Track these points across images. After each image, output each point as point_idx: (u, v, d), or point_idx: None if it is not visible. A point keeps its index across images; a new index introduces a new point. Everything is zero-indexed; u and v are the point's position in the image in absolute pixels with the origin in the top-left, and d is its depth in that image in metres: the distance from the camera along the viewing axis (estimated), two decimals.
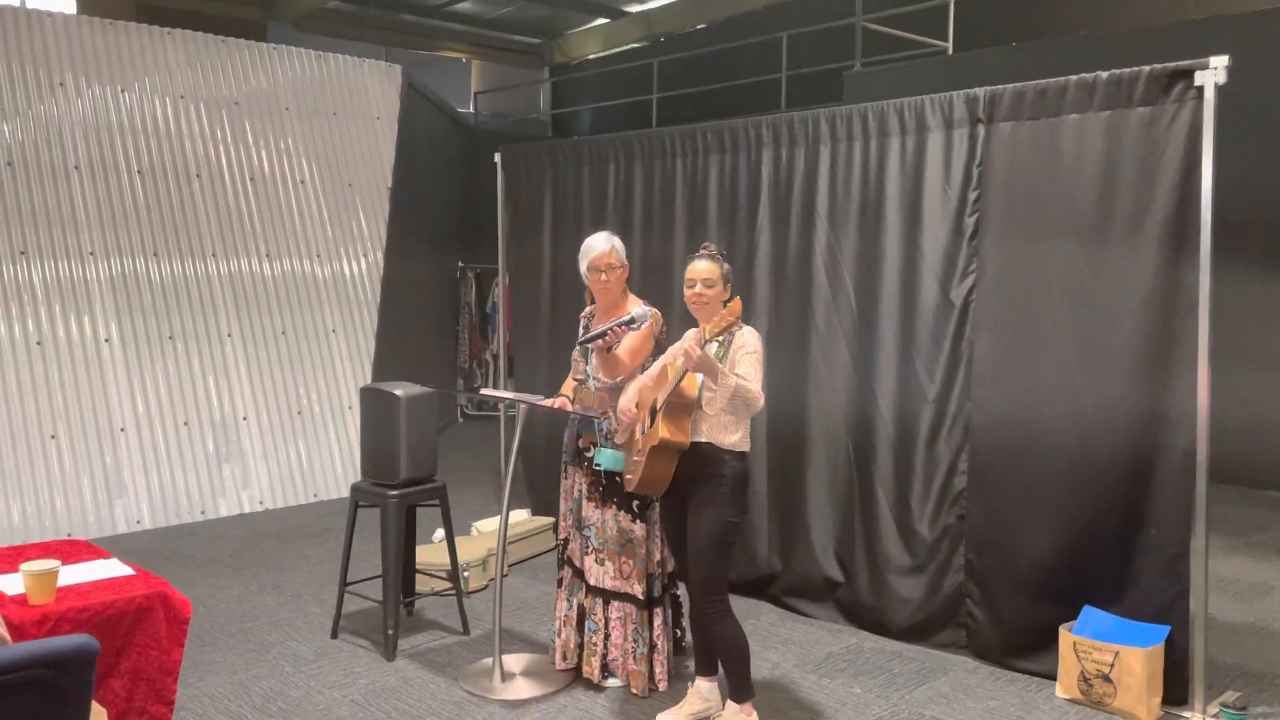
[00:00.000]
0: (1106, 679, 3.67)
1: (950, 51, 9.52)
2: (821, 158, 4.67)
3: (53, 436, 6.09)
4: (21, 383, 6.06)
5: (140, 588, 2.68)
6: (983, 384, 4.18)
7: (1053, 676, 3.89)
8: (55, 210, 6.33)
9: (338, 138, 7.72)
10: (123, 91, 6.72)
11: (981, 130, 4.15)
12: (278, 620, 4.61)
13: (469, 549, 5.15)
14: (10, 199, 6.17)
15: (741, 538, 4.79)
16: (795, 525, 4.78)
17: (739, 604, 3.45)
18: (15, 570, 2.60)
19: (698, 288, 3.47)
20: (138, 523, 6.21)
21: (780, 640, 4.41)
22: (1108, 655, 3.66)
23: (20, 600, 2.51)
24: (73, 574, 2.71)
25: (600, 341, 3.59)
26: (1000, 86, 4.09)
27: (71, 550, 2.98)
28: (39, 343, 6.17)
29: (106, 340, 6.42)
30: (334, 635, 4.39)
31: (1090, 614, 3.84)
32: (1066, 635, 3.80)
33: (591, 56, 14.79)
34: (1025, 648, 4.04)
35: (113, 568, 2.83)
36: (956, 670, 4.09)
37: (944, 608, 4.29)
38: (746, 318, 4.36)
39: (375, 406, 4.30)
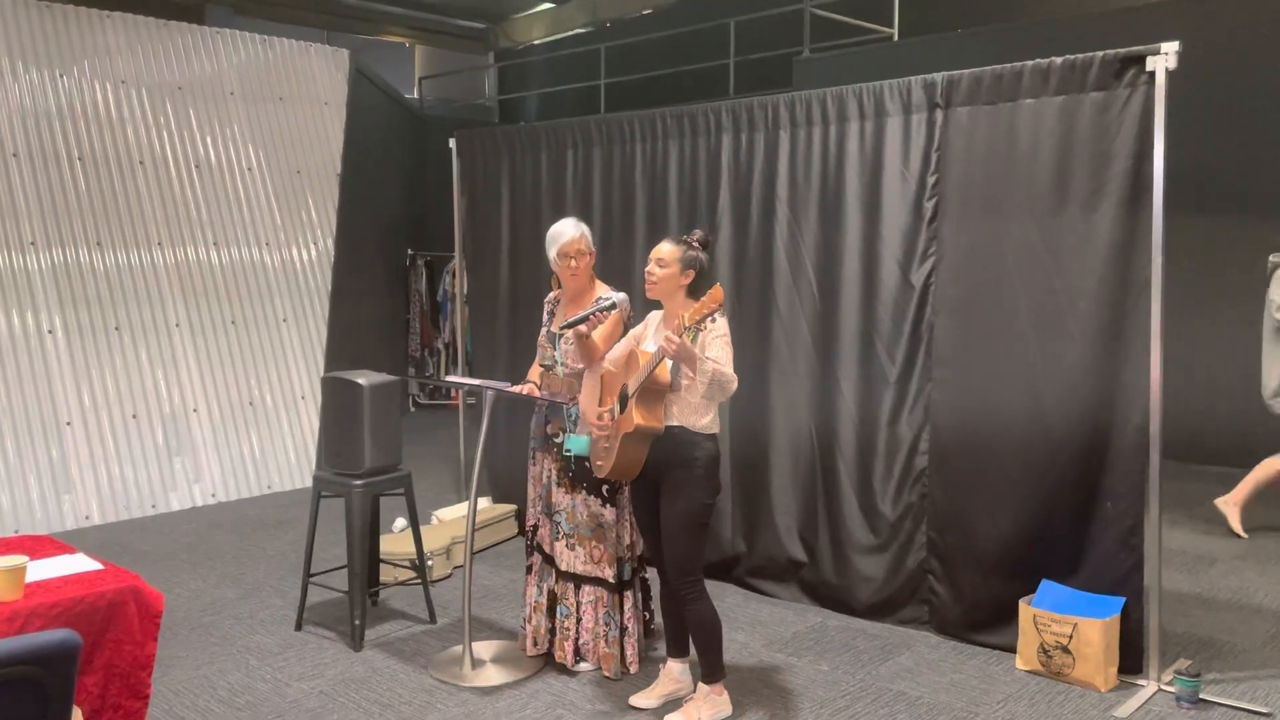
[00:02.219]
0: (1065, 650, 3.77)
1: (896, 38, 9.63)
2: (781, 143, 4.71)
3: None
4: None
5: (111, 582, 2.63)
6: (943, 364, 4.26)
7: (1013, 649, 3.99)
8: None
9: (284, 123, 7.58)
10: (61, 76, 6.52)
11: (939, 115, 4.22)
12: (240, 614, 4.55)
13: (431, 538, 5.12)
14: None
15: (711, 520, 4.84)
16: (759, 507, 4.83)
17: (708, 588, 3.49)
18: None
19: (650, 265, 3.49)
20: (86, 518, 6.07)
21: (747, 621, 4.46)
22: (1066, 627, 3.76)
23: None
24: (40, 570, 2.64)
25: (582, 326, 3.59)
26: (958, 72, 4.16)
27: (35, 545, 2.91)
28: None
29: (50, 332, 6.25)
30: (298, 627, 4.34)
31: (1048, 587, 3.95)
32: (1026, 608, 3.90)
33: (537, 41, 14.67)
34: (986, 622, 4.14)
35: (80, 562, 2.77)
36: (919, 645, 4.17)
37: (906, 585, 4.37)
38: None
39: (337, 395, 4.25)
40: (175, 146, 6.97)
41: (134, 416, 6.47)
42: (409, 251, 10.43)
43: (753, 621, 4.45)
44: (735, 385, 3.38)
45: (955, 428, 4.23)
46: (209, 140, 7.15)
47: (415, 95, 13.88)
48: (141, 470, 6.41)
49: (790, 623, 4.44)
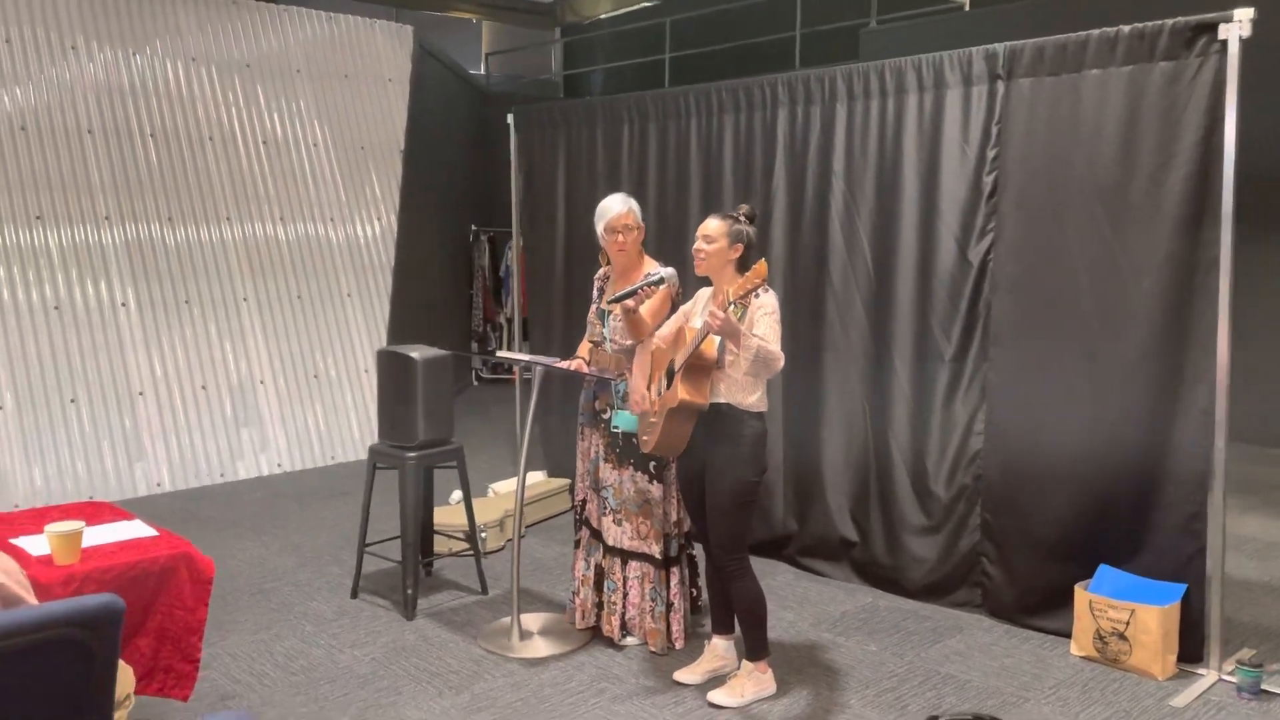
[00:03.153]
0: (1122, 637, 3.68)
1: (967, 7, 9.37)
2: (838, 116, 4.62)
3: (72, 400, 6.14)
4: (40, 348, 6.10)
5: (164, 548, 2.71)
6: (1000, 344, 4.16)
7: (1068, 635, 3.90)
8: (70, 175, 6.34)
9: (349, 100, 7.68)
10: (134, 54, 6.69)
11: (1001, 87, 4.10)
12: (298, 580, 4.67)
13: (486, 510, 5.19)
14: (25, 164, 6.17)
15: (757, 498, 4.82)
16: (811, 486, 4.79)
17: (754, 564, 3.47)
18: (40, 532, 2.63)
19: (698, 242, 3.47)
20: (158, 485, 6.27)
21: (796, 600, 4.44)
22: (1123, 613, 3.67)
23: (46, 561, 2.54)
24: (97, 535, 2.74)
25: (630, 301, 3.58)
26: (1020, 42, 4.03)
27: (95, 512, 3.01)
28: (56, 307, 6.20)
29: (123, 305, 6.45)
30: (354, 595, 4.44)
31: (1106, 572, 3.85)
32: (1082, 593, 3.81)
33: (603, 16, 14.62)
34: (1040, 606, 4.06)
35: (136, 529, 2.86)
36: (972, 629, 4.11)
37: (959, 567, 4.30)
38: None
39: (392, 369, 4.31)
40: (243, 123, 7.12)
41: (203, 388, 6.65)
42: (472, 227, 10.52)
43: (802, 600, 4.43)
44: (782, 363, 3.34)
45: (1012, 408, 4.13)
46: (276, 117, 7.28)
47: (482, 71, 13.94)
48: (210, 440, 6.60)
49: (840, 602, 4.41)
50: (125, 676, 2.45)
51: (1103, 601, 3.73)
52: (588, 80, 15.27)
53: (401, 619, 4.19)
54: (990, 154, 4.15)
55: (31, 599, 1.95)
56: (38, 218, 6.19)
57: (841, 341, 4.66)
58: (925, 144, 4.34)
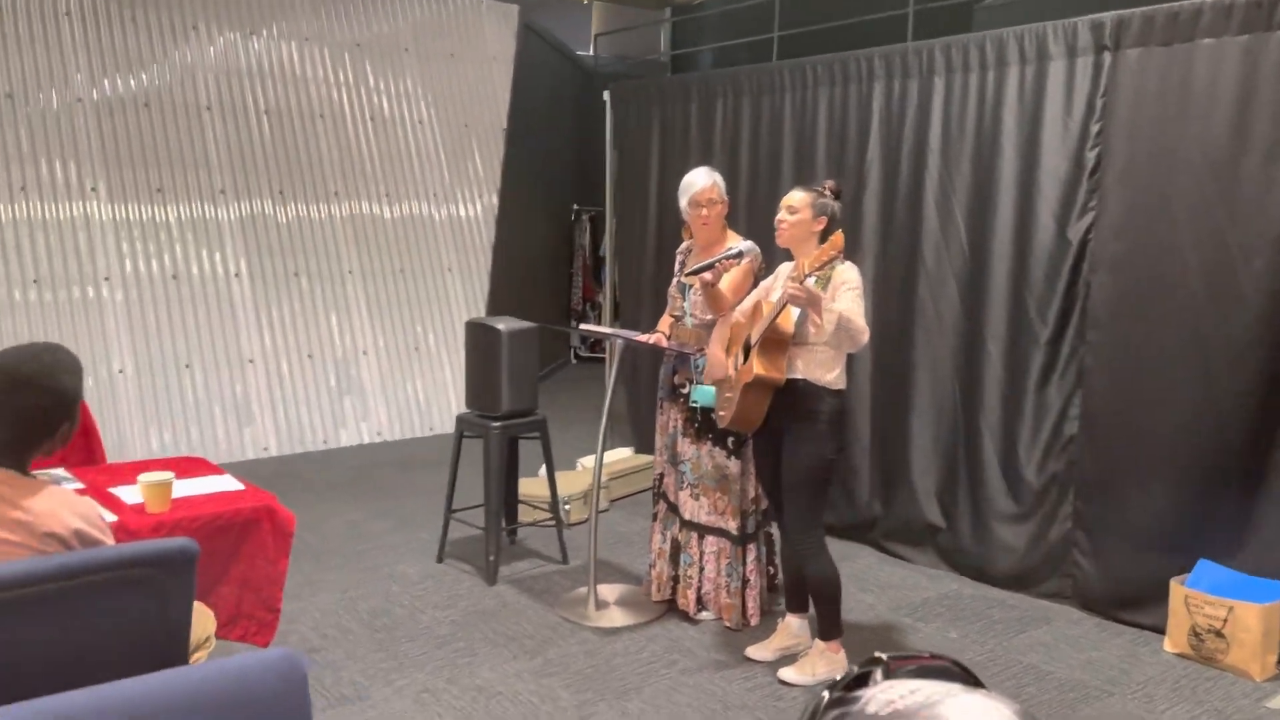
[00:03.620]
0: (1219, 634, 3.51)
1: None
2: (935, 90, 4.50)
3: (187, 366, 6.44)
4: (159, 316, 6.42)
5: (248, 501, 2.84)
6: (1099, 326, 3.99)
7: (1161, 630, 3.74)
8: (189, 150, 6.63)
9: (455, 79, 7.82)
10: (251, 35, 6.95)
11: (1107, 58, 3.92)
12: (389, 543, 4.81)
13: (572, 483, 5.25)
14: (148, 140, 6.49)
15: (842, 479, 4.76)
16: (897, 468, 4.70)
17: (837, 546, 3.43)
18: (135, 482, 2.77)
19: (780, 213, 3.42)
20: (265, 450, 6.55)
21: (877, 583, 4.36)
22: (1221, 610, 3.49)
23: (138, 509, 2.68)
24: (187, 487, 2.88)
25: (708, 274, 3.57)
26: (1128, 10, 3.85)
27: (189, 466, 3.16)
28: (174, 277, 6.51)
29: (236, 276, 6.73)
30: (439, 560, 4.56)
31: (1206, 567, 3.67)
32: (1178, 588, 3.64)
33: None
34: (1134, 600, 3.90)
35: (225, 483, 3.00)
36: (1059, 620, 3.98)
37: (1049, 556, 4.16)
38: (852, 254, 4.28)
39: (479, 340, 4.39)
40: (352, 101, 7.33)
41: (309, 357, 6.90)
42: (574, 206, 10.60)
43: (883, 584, 4.36)
44: (865, 337, 3.28)
45: (1110, 393, 3.97)
46: (383, 95, 7.47)
47: (591, 52, 14.01)
48: (315, 407, 6.85)
49: (922, 588, 4.32)
50: (206, 619, 2.58)
51: (1200, 597, 3.56)
52: (695, 60, 15.20)
53: (483, 584, 4.29)
54: (1094, 128, 3.98)
55: (109, 541, 2.06)
56: (158, 190, 6.50)
57: (933, 321, 4.55)
58: (1025, 118, 4.19)
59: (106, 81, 6.34)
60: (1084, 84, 3.99)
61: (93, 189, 6.25)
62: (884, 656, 0.74)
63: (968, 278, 4.42)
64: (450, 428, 7.23)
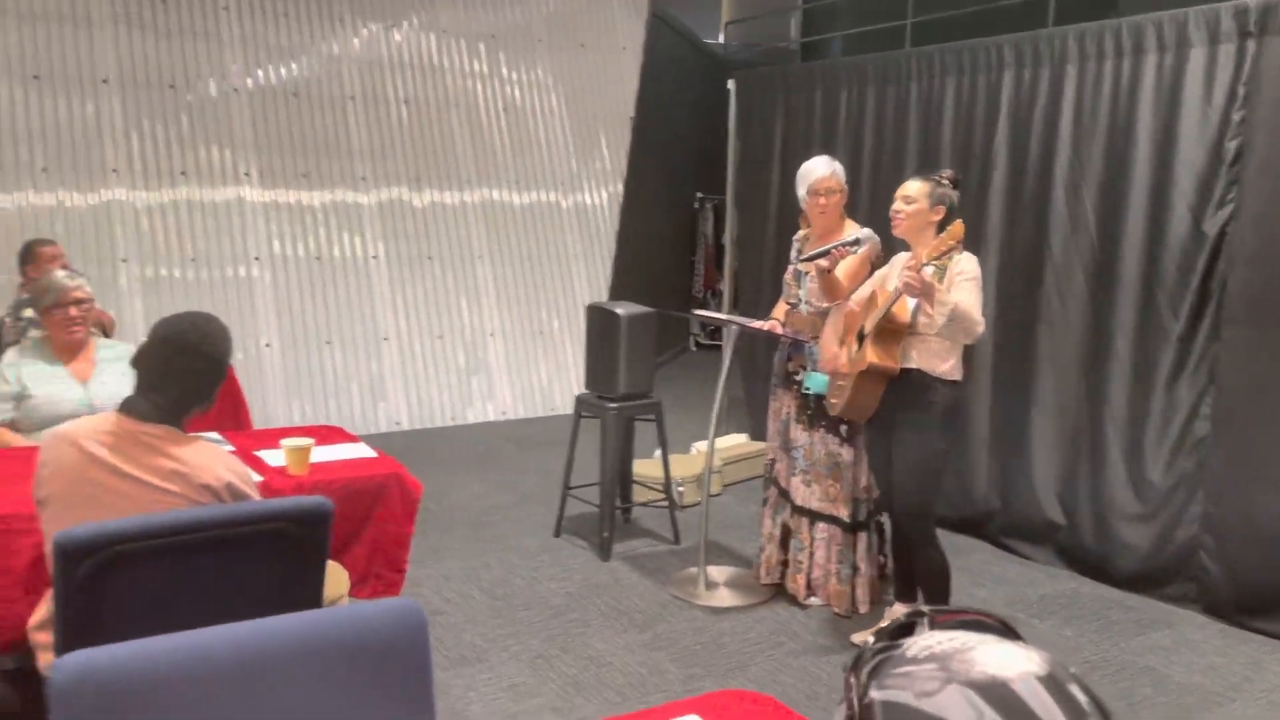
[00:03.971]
0: None
1: None
2: (1068, 78, 4.39)
3: (328, 343, 6.80)
4: (303, 295, 6.80)
5: (379, 468, 3.03)
6: (1234, 323, 3.85)
7: None
8: (333, 138, 6.98)
9: (584, 69, 7.99)
10: (392, 28, 7.25)
11: (1251, 45, 3.77)
12: (510, 517, 5.01)
13: (686, 466, 5.35)
14: (295, 127, 6.86)
15: (958, 473, 4.71)
16: (1017, 464, 4.62)
17: (952, 540, 3.42)
18: (278, 447, 2.99)
19: (896, 203, 3.42)
20: (396, 424, 6.86)
21: (992, 579, 4.32)
22: None
23: (280, 471, 2.90)
24: (325, 453, 3.09)
25: (824, 261, 3.60)
26: None
27: (327, 434, 3.39)
28: (318, 258, 6.88)
29: (374, 258, 7.06)
30: (557, 534, 4.72)
31: None
32: None
33: None
34: (1263, 607, 3.76)
35: (359, 450, 3.20)
36: (1183, 624, 3.86)
37: (1174, 559, 4.04)
38: (976, 246, 4.24)
39: (599, 323, 4.53)
40: (485, 91, 7.57)
41: (439, 337, 7.19)
42: (698, 195, 10.67)
43: (998, 580, 4.31)
44: (981, 328, 3.27)
45: (1244, 392, 3.82)
46: (515, 85, 7.69)
47: (721, 40, 14.01)
48: (444, 386, 7.14)
49: (1039, 585, 4.25)
50: (340, 578, 2.78)
51: None
52: (826, 47, 15.03)
53: (597, 559, 4.43)
54: (1235, 118, 3.83)
55: (255, 495, 2.25)
56: (304, 176, 6.86)
57: (1058, 314, 4.46)
58: (1162, 107, 4.06)
59: (260, 72, 6.74)
60: (1225, 72, 3.85)
61: (246, 174, 6.66)
62: (927, 610, 0.80)
63: (1096, 271, 4.31)
64: (570, 409, 7.42)
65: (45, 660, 2.19)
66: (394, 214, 7.15)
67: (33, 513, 2.39)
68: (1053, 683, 0.70)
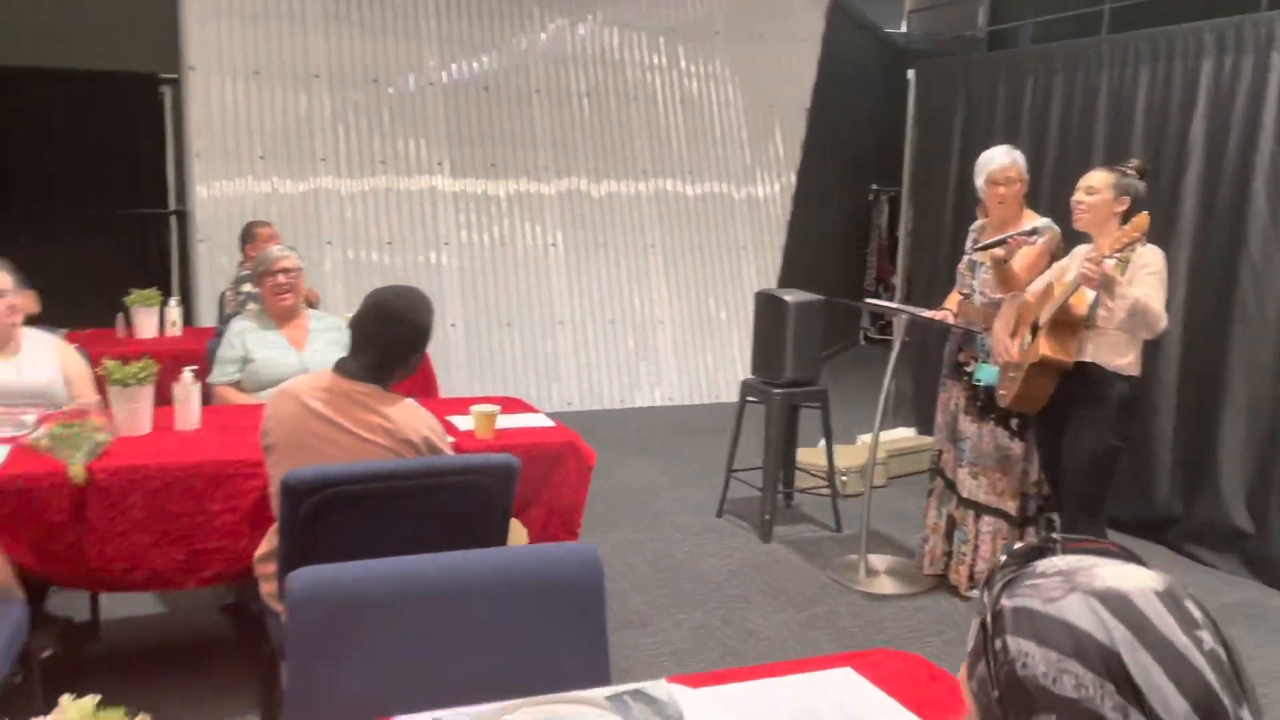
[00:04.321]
0: None
1: None
2: (1273, 66, 4.17)
3: (508, 325, 7.15)
4: (486, 279, 7.16)
5: (557, 436, 3.23)
6: None
7: None
8: (518, 130, 7.31)
9: (761, 60, 8.05)
10: (577, 23, 7.53)
11: None
12: (672, 497, 5.17)
13: (851, 456, 5.36)
14: (484, 120, 7.23)
15: (1137, 474, 4.56)
16: (1202, 469, 4.43)
17: (1128, 542, 3.30)
18: (467, 413, 3.24)
19: (1077, 194, 3.36)
20: (568, 404, 7.14)
21: None
22: None
23: (468, 435, 3.13)
24: (509, 421, 3.31)
25: (1000, 250, 3.57)
26: None
27: (510, 404, 3.62)
28: (501, 245, 7.23)
29: (553, 245, 7.36)
30: (719, 514, 4.85)
31: None
32: None
33: None
34: None
35: (539, 420, 3.42)
36: None
37: None
38: (1167, 240, 4.09)
39: (768, 310, 4.61)
40: (664, 84, 7.75)
41: (611, 323, 7.43)
42: (873, 187, 10.55)
43: None
44: (1163, 324, 3.18)
45: None
46: (693, 77, 7.83)
47: (903, 29, 13.75)
48: (614, 369, 7.38)
49: (1220, 594, 4.07)
50: (520, 534, 2.98)
51: None
52: (1014, 36, 14.50)
53: (758, 540, 4.53)
54: None
55: (449, 451, 2.47)
56: (492, 166, 7.23)
57: (1254, 314, 4.24)
58: None
59: (454, 66, 7.13)
60: None
61: (439, 164, 7.07)
62: (1058, 536, 0.87)
63: None
64: (734, 397, 7.51)
65: (268, 589, 2.47)
66: (573, 203, 7.43)
67: (256, 460, 2.70)
68: (1169, 597, 0.77)
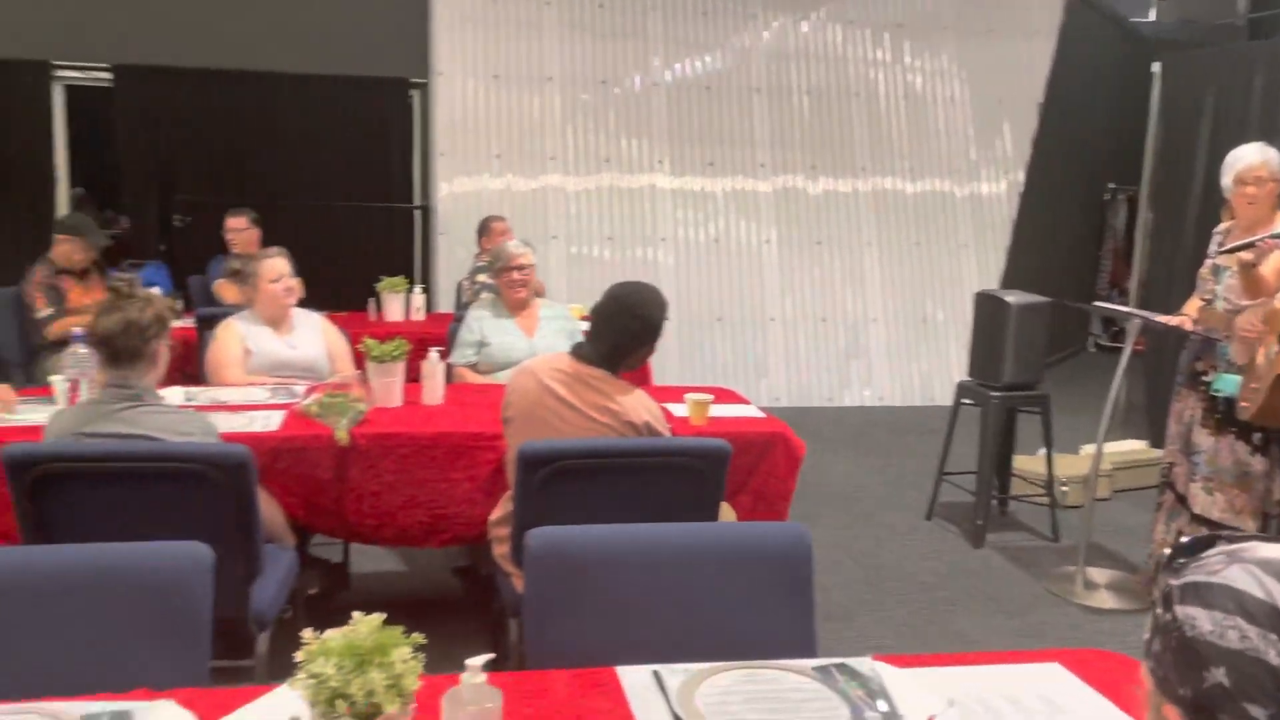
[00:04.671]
0: None
1: None
2: None
3: (719, 320, 7.29)
4: (699, 275, 7.33)
5: (767, 426, 3.32)
6: None
7: None
8: (737, 129, 7.44)
9: (991, 55, 7.80)
10: (800, 20, 7.56)
11: None
12: (880, 496, 5.14)
13: (1072, 466, 5.16)
14: (705, 119, 7.39)
15: None
16: None
17: None
18: (680, 401, 3.39)
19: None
20: (776, 400, 7.20)
21: None
22: None
23: (683, 421, 3.28)
24: (720, 410, 3.44)
25: (1248, 254, 3.38)
26: None
27: (722, 395, 3.74)
28: (716, 241, 7.38)
29: (766, 242, 7.44)
30: (928, 517, 4.79)
31: None
32: None
33: None
34: None
35: (749, 410, 3.52)
36: None
37: None
38: None
39: (987, 311, 4.52)
40: (886, 80, 7.66)
41: (823, 320, 7.43)
42: (1110, 185, 10.00)
43: None
44: None
45: None
46: (917, 73, 7.70)
47: (1153, 18, 12.90)
48: (824, 367, 7.38)
49: None
50: (730, 518, 3.10)
51: None
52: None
53: (968, 545, 4.45)
54: None
55: (668, 433, 2.62)
56: (709, 165, 7.38)
57: None
58: None
59: (677, 66, 7.33)
60: None
61: (659, 162, 7.30)
62: (1224, 533, 0.93)
63: None
64: (948, 401, 7.34)
65: (500, 551, 2.70)
66: (788, 201, 7.48)
67: (493, 434, 2.95)
68: None
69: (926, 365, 7.50)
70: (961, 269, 7.67)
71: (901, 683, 1.56)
